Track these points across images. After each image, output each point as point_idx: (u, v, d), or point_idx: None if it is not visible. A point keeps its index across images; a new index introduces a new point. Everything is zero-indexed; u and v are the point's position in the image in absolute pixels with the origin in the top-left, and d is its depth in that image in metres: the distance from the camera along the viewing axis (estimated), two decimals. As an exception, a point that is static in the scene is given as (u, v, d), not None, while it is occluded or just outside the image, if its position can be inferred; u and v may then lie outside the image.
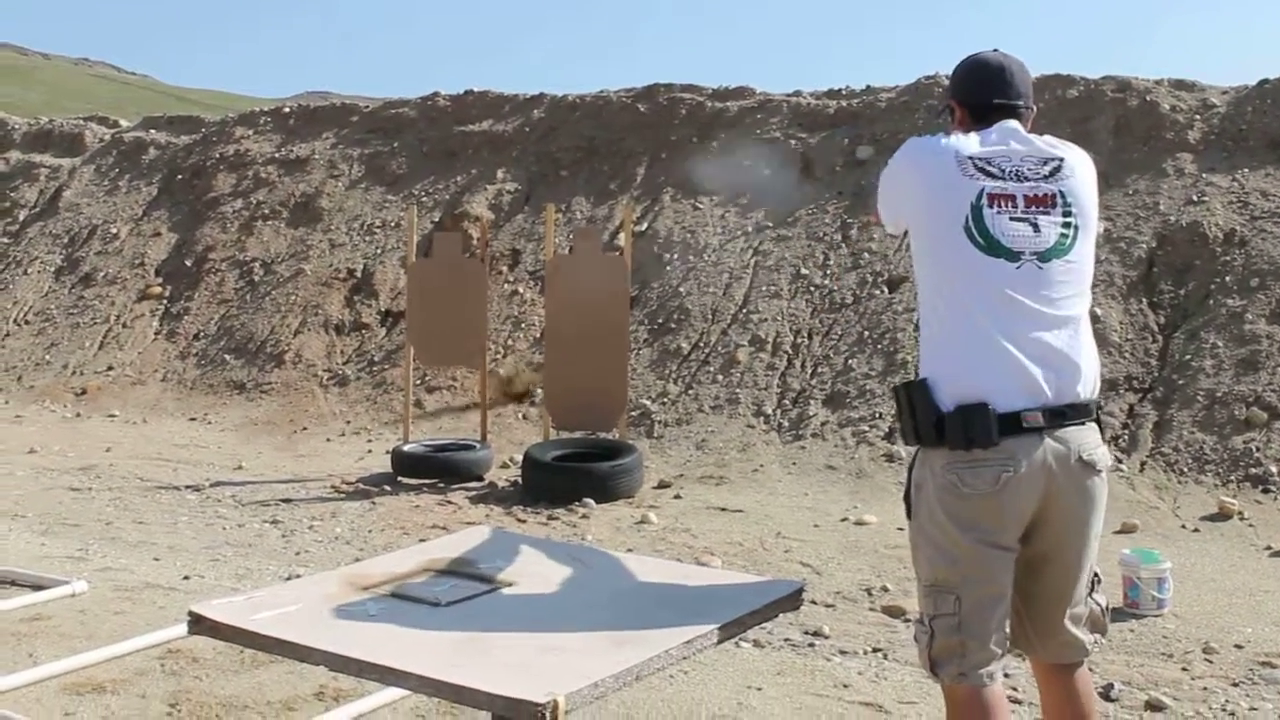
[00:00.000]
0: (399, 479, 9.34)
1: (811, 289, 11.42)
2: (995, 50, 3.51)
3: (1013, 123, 3.29)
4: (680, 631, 2.96)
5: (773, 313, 11.24)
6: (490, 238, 12.33)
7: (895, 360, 10.25)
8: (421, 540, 7.49)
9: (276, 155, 16.42)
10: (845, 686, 4.96)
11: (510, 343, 12.15)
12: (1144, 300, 10.13)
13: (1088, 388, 3.15)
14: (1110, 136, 11.66)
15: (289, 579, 6.66)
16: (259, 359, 13.08)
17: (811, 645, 5.57)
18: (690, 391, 10.71)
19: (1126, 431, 9.06)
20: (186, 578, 6.70)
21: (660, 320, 11.70)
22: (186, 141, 17.56)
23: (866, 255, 11.58)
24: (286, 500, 8.79)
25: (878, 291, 11.13)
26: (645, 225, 12.87)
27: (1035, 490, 3.05)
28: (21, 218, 17.39)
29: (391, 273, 13.67)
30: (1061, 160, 3.25)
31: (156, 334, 14.24)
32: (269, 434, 11.43)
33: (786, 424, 9.99)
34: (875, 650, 5.51)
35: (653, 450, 9.86)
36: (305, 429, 11.50)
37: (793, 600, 3.39)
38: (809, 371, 10.54)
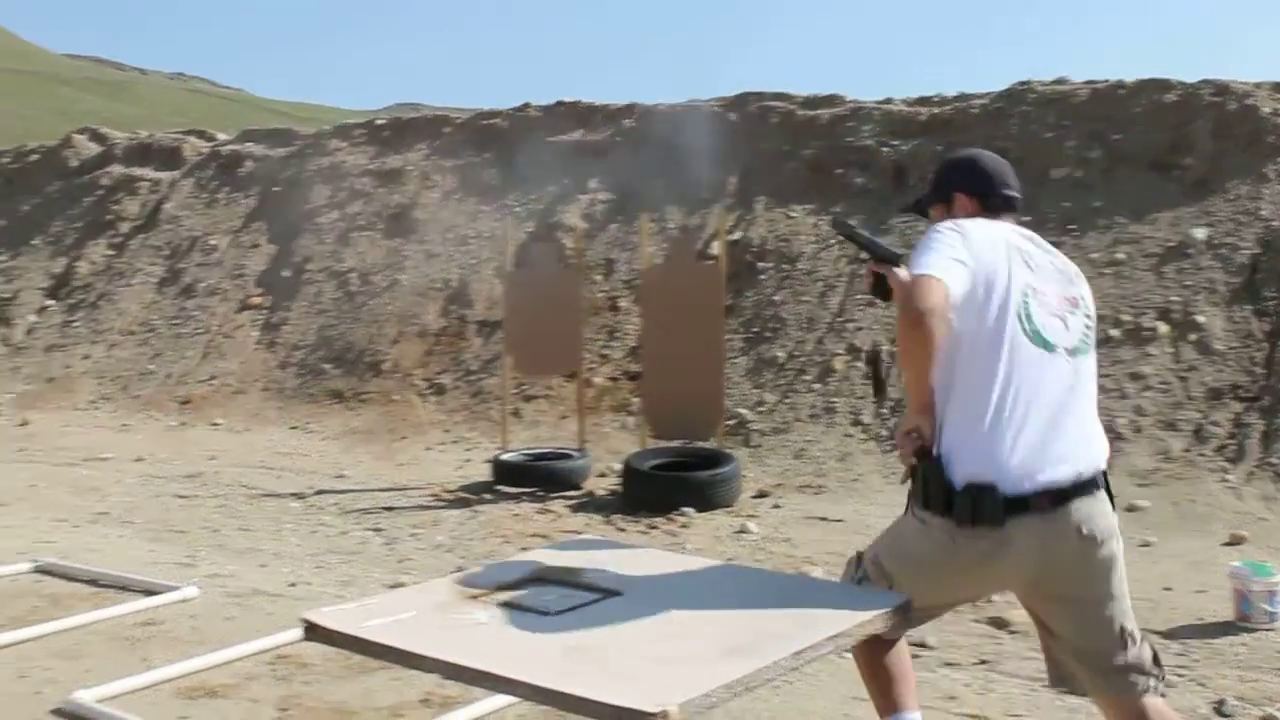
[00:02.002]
0: (498, 487, 9.43)
1: (907, 297, 11.35)
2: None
3: (1021, 229, 3.45)
4: (790, 642, 2.96)
5: (869, 321, 11.21)
6: (584, 247, 12.40)
7: (993, 368, 10.18)
8: (523, 549, 7.57)
9: (371, 167, 16.64)
10: (952, 699, 4.94)
11: (605, 352, 12.21)
12: (1248, 307, 9.98)
13: (1097, 462, 3.29)
14: (1210, 141, 11.49)
15: (394, 586, 6.74)
16: (357, 368, 13.26)
17: (916, 657, 5.53)
18: (787, 400, 10.71)
19: (1233, 441, 8.92)
20: (293, 584, 6.81)
21: (755, 329, 11.71)
22: (282, 154, 17.82)
23: (963, 262, 11.51)
24: (388, 508, 8.90)
25: (975, 299, 11.05)
26: (738, 234, 12.88)
27: (1023, 567, 3.23)
28: (124, 230, 17.74)
29: (486, 283, 13.79)
30: (1074, 272, 3.47)
31: (257, 344, 14.47)
32: (368, 442, 11.58)
33: (884, 433, 9.95)
34: (981, 662, 5.48)
35: (750, 459, 9.86)
36: (404, 438, 11.64)
37: (901, 612, 3.39)
38: (899, 379, 10.49)
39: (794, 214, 12.98)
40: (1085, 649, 3.35)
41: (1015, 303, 3.25)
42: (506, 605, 3.34)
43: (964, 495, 3.18)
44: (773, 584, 3.71)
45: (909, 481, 3.41)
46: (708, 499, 8.60)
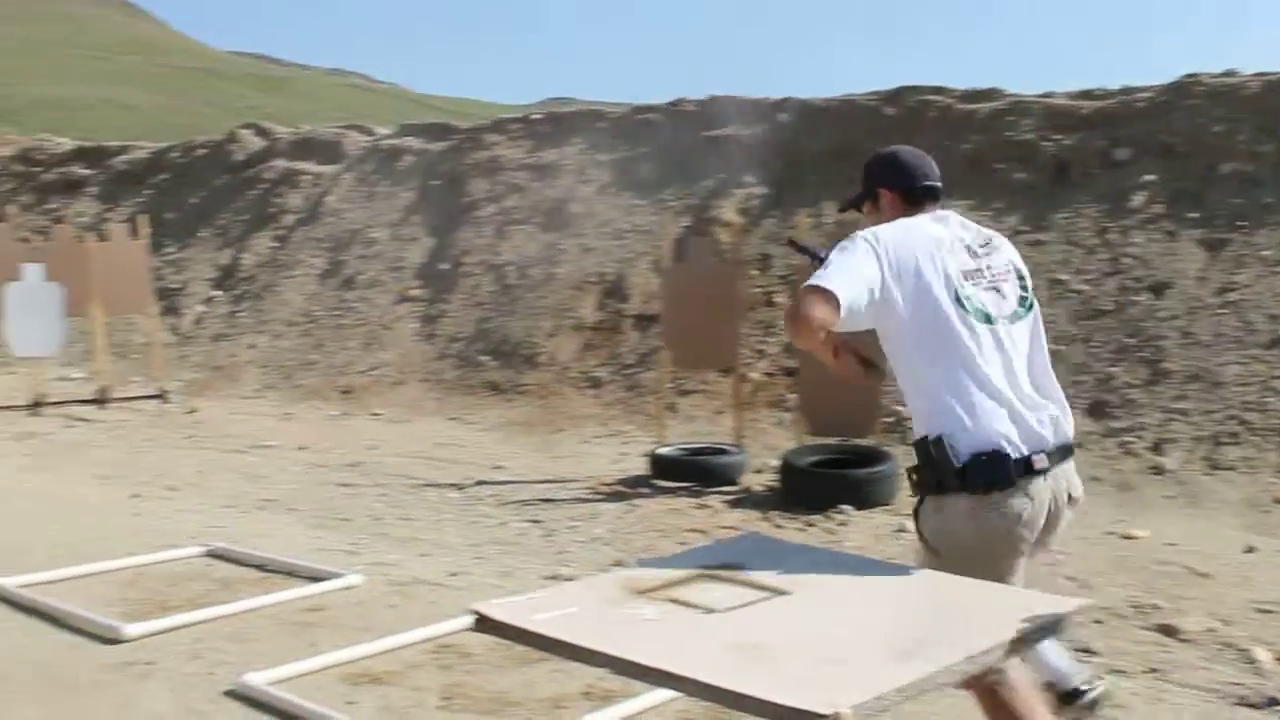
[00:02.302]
0: (655, 481, 9.46)
1: (1069, 295, 11.17)
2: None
3: (945, 211, 3.75)
4: (962, 645, 2.93)
5: (1029, 318, 11.02)
6: (740, 242, 12.36)
7: (1159, 369, 9.96)
8: (681, 544, 7.61)
9: (527, 161, 16.80)
10: (1121, 707, 4.84)
11: (761, 347, 12.18)
12: None
13: (1071, 426, 3.61)
14: None
15: (552, 578, 6.82)
16: (514, 361, 13.40)
17: (1082, 663, 5.44)
18: (945, 397, 10.57)
19: None
20: (454, 574, 6.91)
21: (913, 325, 11.57)
22: (441, 148, 18.07)
23: (1127, 260, 11.27)
24: (546, 500, 8.98)
25: (1139, 298, 10.82)
26: (897, 229, 12.74)
27: (1037, 526, 3.51)
28: (287, 223, 18.14)
29: (642, 277, 13.84)
30: (991, 237, 3.75)
31: (416, 335, 14.70)
32: (526, 434, 11.70)
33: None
34: (1150, 671, 5.36)
35: (907, 457, 9.73)
36: (561, 430, 11.74)
37: (1064, 621, 3.33)
38: (1069, 380, 10.30)
39: (952, 209, 12.79)
40: None
41: (951, 290, 3.51)
42: (673, 602, 3.35)
43: (974, 466, 3.43)
44: (942, 585, 3.65)
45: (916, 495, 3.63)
46: (866, 497, 8.54)
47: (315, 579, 6.61)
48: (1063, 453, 3.56)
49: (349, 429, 12.29)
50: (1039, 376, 3.63)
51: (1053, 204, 12.30)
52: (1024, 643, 3.17)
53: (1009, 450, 3.43)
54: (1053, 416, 3.55)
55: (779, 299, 12.74)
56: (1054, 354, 10.59)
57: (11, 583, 6.41)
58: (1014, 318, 3.61)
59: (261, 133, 21.16)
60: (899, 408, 10.54)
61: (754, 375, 11.55)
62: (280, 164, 19.66)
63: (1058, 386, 3.65)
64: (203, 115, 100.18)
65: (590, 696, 4.81)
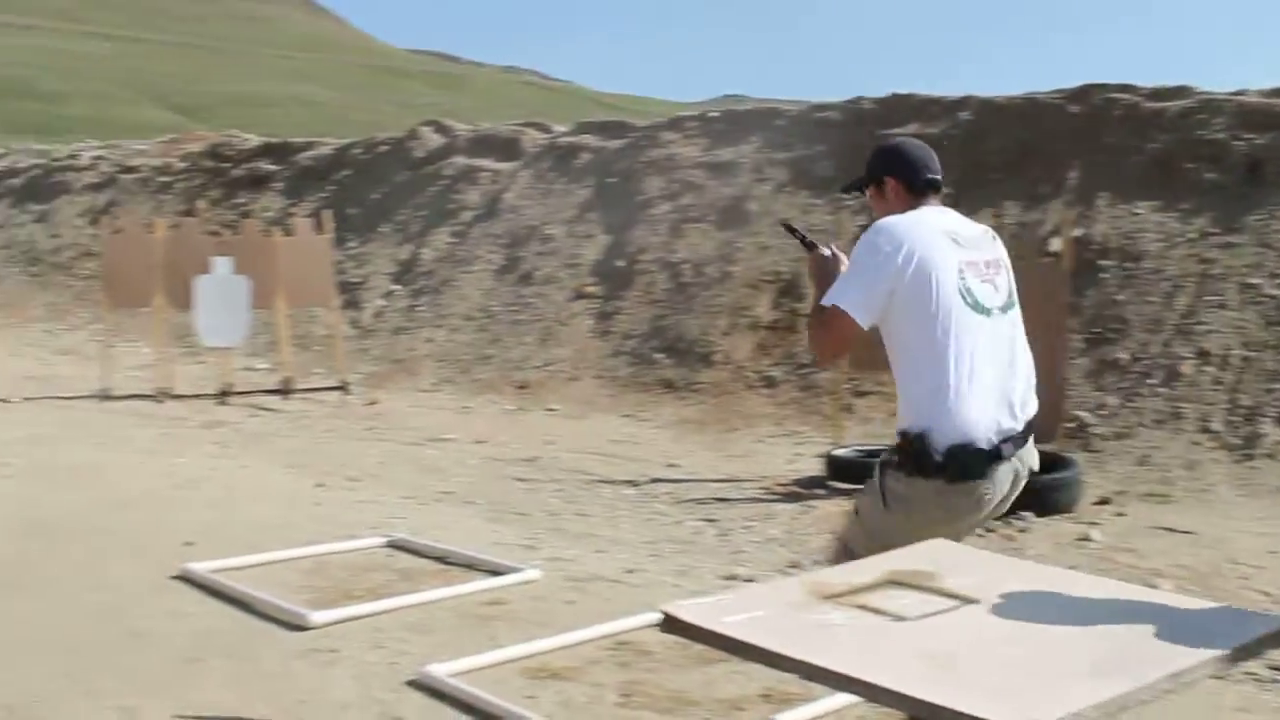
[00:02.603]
0: (830, 483, 9.39)
1: (1262, 300, 10.82)
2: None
3: (945, 207, 4.07)
4: (1165, 663, 2.85)
5: (1219, 324, 10.71)
6: (919, 242, 12.20)
7: (1359, 377, 9.60)
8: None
9: (703, 159, 16.80)
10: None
11: (939, 349, 12.00)
12: None
13: (1035, 407, 4.00)
14: None
15: (728, 578, 6.83)
16: (689, 359, 13.41)
17: (1277, 681, 5.28)
18: (1130, 404, 10.33)
19: None
20: (630, 571, 6.94)
21: (1097, 330, 11.33)
22: (617, 145, 18.16)
23: (1325, 264, 10.89)
24: (721, 499, 8.98)
25: (1338, 303, 10.45)
26: (1079, 231, 12.48)
27: (995, 507, 3.94)
28: (466, 219, 18.40)
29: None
30: (985, 230, 4.09)
31: (591, 332, 14.81)
32: (699, 433, 11.70)
33: (1237, 442, 9.49)
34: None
35: (1090, 464, 9.54)
36: (735, 429, 11.72)
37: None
38: (1261, 388, 9.99)
39: (1139, 210, 12.49)
40: None
41: (954, 281, 3.82)
42: (861, 608, 3.32)
43: (951, 457, 3.78)
44: (1138, 598, 3.56)
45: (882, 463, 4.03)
46: (1048, 504, 8.35)
47: (495, 572, 6.69)
48: (1025, 435, 3.93)
49: (525, 424, 12.42)
50: (1020, 365, 3.98)
51: (1245, 205, 11.93)
52: (1233, 660, 3.08)
53: (982, 444, 3.80)
54: (1023, 403, 3.94)
55: (957, 300, 12.56)
56: (1247, 360, 10.36)
57: (203, 568, 6.61)
58: (1004, 309, 3.95)
59: (441, 130, 21.50)
60: (1082, 413, 10.34)
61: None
62: (459, 160, 19.95)
63: (1033, 372, 4.02)
64: (382, 112, 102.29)
65: (770, 699, 4.79)
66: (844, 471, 9.45)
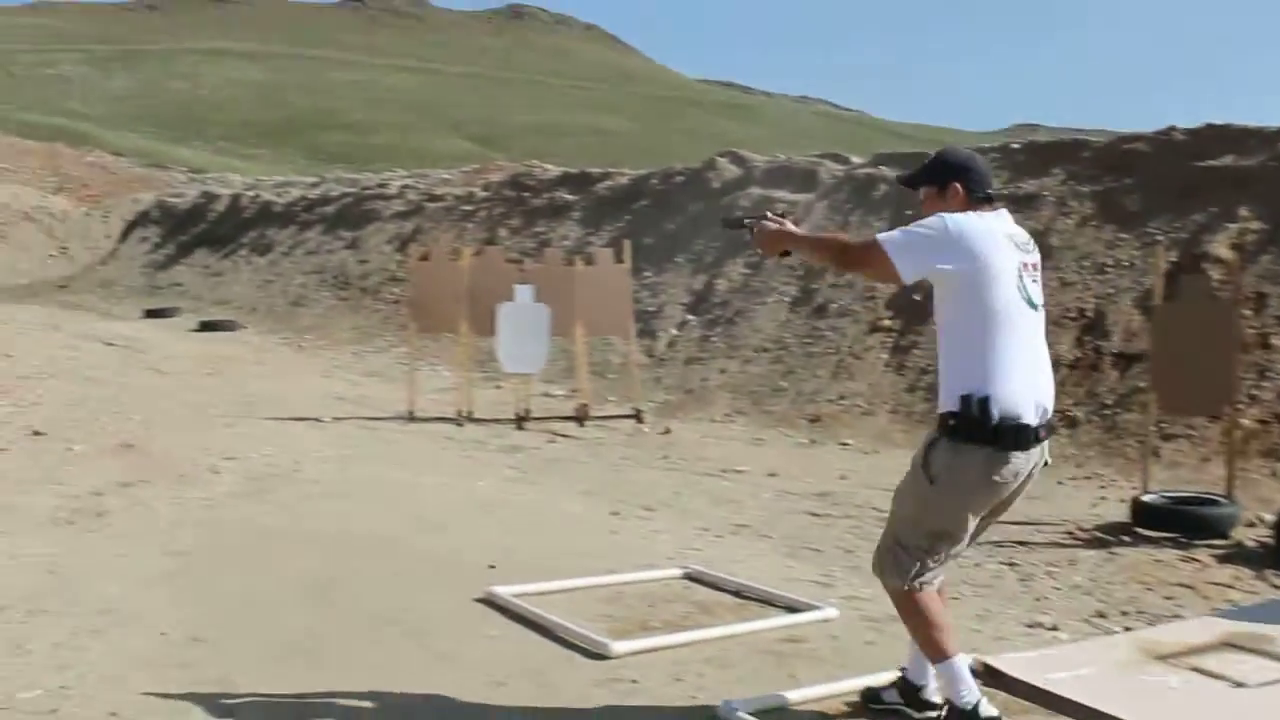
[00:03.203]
0: (1136, 530, 9.03)
1: None
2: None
3: (1003, 210, 4.61)
4: None
5: None
6: (1235, 280, 11.68)
7: None
8: (1168, 599, 7.23)
9: (1004, 191, 16.43)
10: None
11: (1255, 393, 11.46)
12: None
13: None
14: None
15: (1031, 626, 6.62)
16: (986, 396, 13.12)
17: None
18: None
19: None
20: (930, 615, 6.79)
21: None
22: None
23: None
24: (1020, 543, 8.72)
25: None
26: None
27: (1022, 484, 4.50)
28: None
29: (1124, 314, 13.30)
30: (1030, 238, 4.64)
31: (886, 366, 14.64)
32: (998, 473, 11.41)
33: None
34: None
35: None
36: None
37: None
38: None
39: None
40: (971, 540, 4.68)
41: (1014, 279, 4.42)
42: (1197, 671, 3.17)
43: (1005, 429, 4.33)
44: None
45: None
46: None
47: (792, 609, 6.64)
48: (1050, 428, 4.52)
49: (817, 458, 12.34)
50: (1048, 360, 4.61)
51: None
52: None
53: (1028, 420, 4.38)
54: (1050, 394, 4.53)
55: (1275, 340, 11.97)
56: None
57: (507, 592, 6.75)
58: (1042, 306, 4.56)
59: (737, 160, 21.66)
60: None
61: (1246, 422, 10.87)
62: (755, 191, 20.05)
63: (1050, 369, 4.61)
64: (674, 141, 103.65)
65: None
66: (1153, 518, 9.08)
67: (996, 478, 4.37)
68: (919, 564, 4.50)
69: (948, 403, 4.45)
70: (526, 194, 24.94)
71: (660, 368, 16.86)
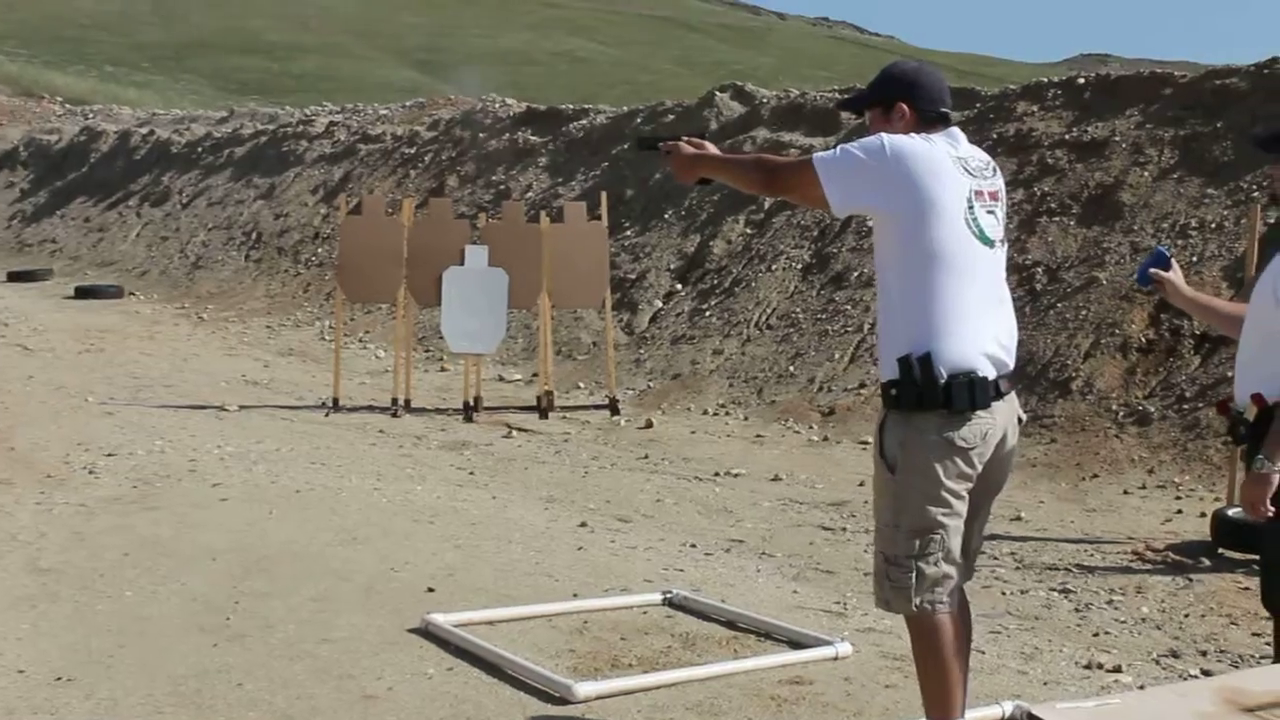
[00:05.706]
0: (1220, 551, 9.06)
1: None
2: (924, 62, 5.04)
3: (955, 129, 4.67)
4: None
5: None
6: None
7: None
8: (1256, 635, 7.26)
9: (1067, 137, 16.46)
10: None
11: (1367, 384, 11.49)
12: None
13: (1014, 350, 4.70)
14: None
15: (1088, 667, 6.65)
16: (1039, 386, 13.13)
17: None
18: None
19: None
20: (960, 652, 6.82)
21: None
22: (958, 118, 17.92)
23: None
24: (1078, 565, 8.77)
25: None
26: None
27: (997, 440, 4.57)
28: (766, 206, 18.42)
29: (1210, 286, 13.33)
30: (990, 160, 4.75)
31: (915, 349, 14.64)
32: (1050, 478, 11.44)
33: None
34: None
35: None
36: (1095, 476, 11.43)
37: None
38: None
39: None
40: (975, 540, 4.82)
41: (962, 210, 4.48)
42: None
43: (956, 385, 4.42)
44: None
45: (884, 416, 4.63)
46: None
47: (795, 644, 6.67)
48: (1014, 377, 4.66)
49: (831, 458, 12.38)
50: (1009, 302, 4.73)
51: None
52: None
53: (985, 372, 4.47)
54: (1012, 341, 4.66)
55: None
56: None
57: (448, 620, 6.75)
58: (1002, 242, 4.64)
59: (742, 96, 21.66)
60: None
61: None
62: (762, 134, 20.03)
63: (1013, 313, 4.75)
64: (665, 72, 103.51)
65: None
66: (1237, 537, 9.09)
67: (960, 442, 4.45)
68: (915, 574, 4.53)
69: (886, 370, 4.56)
70: (482, 135, 24.91)
71: (642, 347, 16.88)
